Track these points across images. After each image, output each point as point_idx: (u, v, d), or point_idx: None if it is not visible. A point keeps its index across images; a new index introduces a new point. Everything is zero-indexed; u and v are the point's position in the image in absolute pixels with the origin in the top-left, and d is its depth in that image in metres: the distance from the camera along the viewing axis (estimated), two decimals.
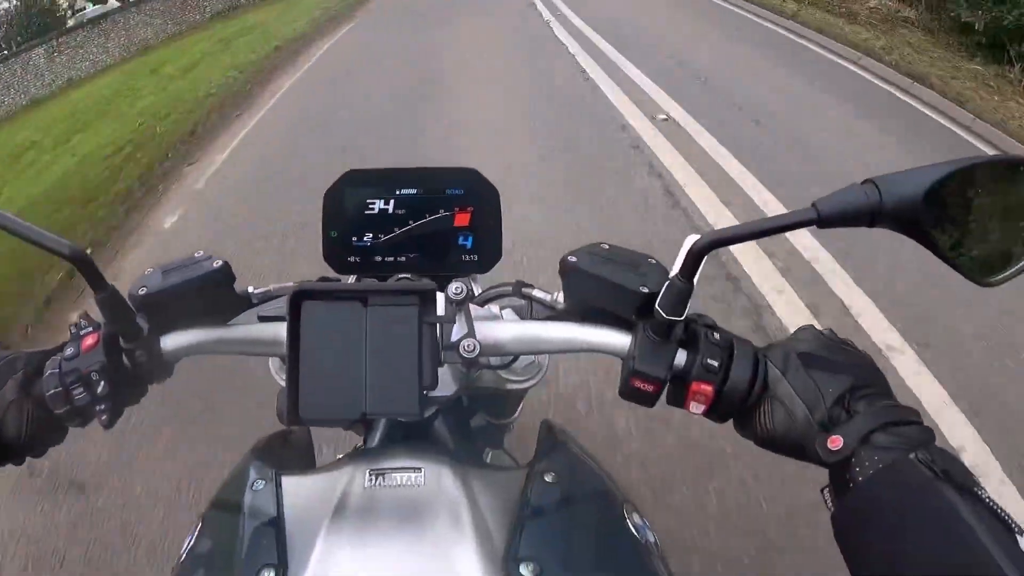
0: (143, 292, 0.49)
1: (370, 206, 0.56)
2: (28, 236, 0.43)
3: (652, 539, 0.51)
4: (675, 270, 0.43)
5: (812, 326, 0.48)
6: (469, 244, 0.57)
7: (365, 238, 0.58)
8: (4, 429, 0.45)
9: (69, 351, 0.47)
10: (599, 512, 0.52)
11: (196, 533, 0.52)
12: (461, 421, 0.72)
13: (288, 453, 0.61)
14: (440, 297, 0.49)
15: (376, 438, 0.59)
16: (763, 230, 0.39)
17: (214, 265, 0.50)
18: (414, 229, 0.56)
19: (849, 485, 0.37)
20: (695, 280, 0.43)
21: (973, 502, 0.33)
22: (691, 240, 0.42)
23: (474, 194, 0.56)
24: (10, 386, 0.46)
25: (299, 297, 0.45)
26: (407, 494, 0.49)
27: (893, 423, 0.38)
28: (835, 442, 0.38)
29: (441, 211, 0.56)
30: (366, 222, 0.57)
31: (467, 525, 0.45)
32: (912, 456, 0.36)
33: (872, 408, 0.40)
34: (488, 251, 0.57)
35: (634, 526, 0.51)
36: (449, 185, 0.56)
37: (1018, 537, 0.32)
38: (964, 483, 0.34)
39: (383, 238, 0.57)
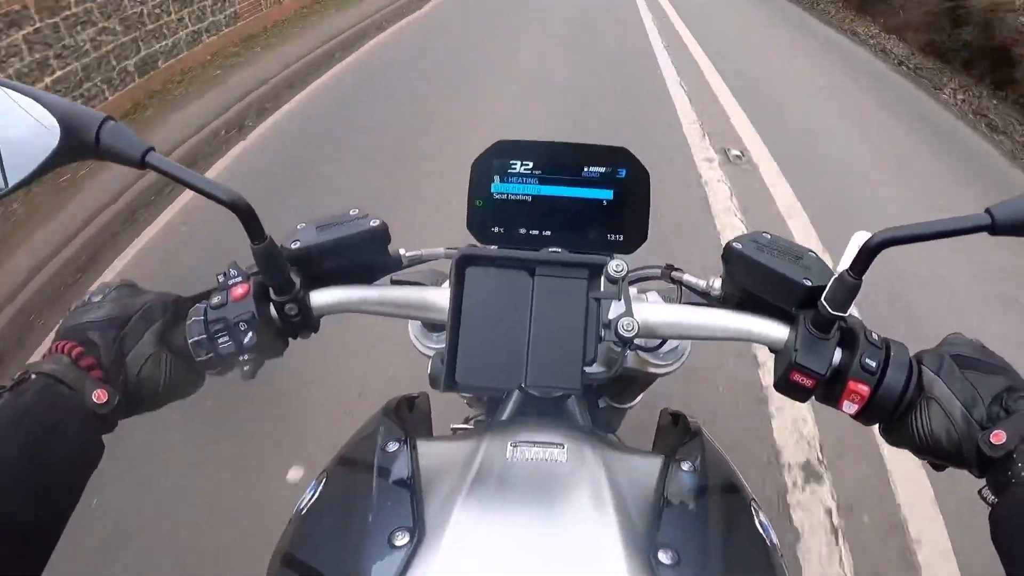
0: (296, 246, 0.48)
1: (518, 178, 0.54)
2: (195, 184, 0.42)
3: (775, 540, 0.51)
4: (844, 265, 0.43)
5: (961, 333, 0.48)
6: (615, 223, 0.55)
7: (510, 210, 0.55)
8: (142, 380, 0.45)
9: (216, 299, 0.47)
10: (732, 507, 0.51)
11: (320, 488, 0.50)
12: (591, 402, 0.71)
13: (413, 418, 0.59)
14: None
15: (507, 410, 0.59)
16: (935, 232, 0.40)
17: (371, 224, 0.48)
18: (561, 204, 0.54)
19: (1011, 481, 0.38)
20: (862, 278, 0.42)
21: None
22: (861, 236, 0.42)
23: (624, 173, 0.54)
24: (148, 339, 0.45)
25: (465, 262, 0.44)
26: (549, 469, 0.48)
27: None
28: (998, 437, 0.39)
29: (589, 188, 0.54)
30: (512, 193, 0.55)
31: (609, 506, 0.45)
32: None
33: None
34: (634, 232, 0.55)
35: (760, 525, 0.50)
36: (599, 162, 0.53)
37: None
38: None
39: (529, 211, 0.55)
